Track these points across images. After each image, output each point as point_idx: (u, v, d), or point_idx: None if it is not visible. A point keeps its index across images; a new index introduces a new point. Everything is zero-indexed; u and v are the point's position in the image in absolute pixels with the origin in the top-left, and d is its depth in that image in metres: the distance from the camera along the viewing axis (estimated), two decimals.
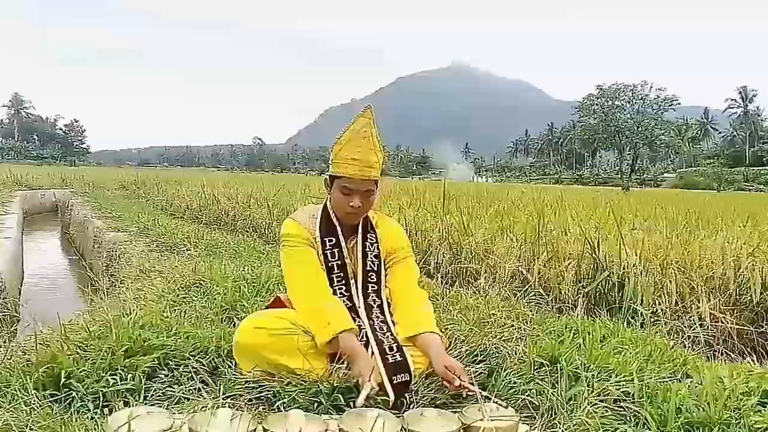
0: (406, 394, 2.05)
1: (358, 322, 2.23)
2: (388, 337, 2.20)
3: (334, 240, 2.35)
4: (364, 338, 2.19)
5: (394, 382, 2.04)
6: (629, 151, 51.00)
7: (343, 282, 2.33)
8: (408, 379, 2.07)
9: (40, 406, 1.79)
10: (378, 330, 2.23)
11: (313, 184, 15.19)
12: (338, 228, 2.36)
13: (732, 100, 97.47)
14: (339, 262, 2.33)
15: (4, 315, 4.46)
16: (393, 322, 2.31)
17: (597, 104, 49.71)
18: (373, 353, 2.12)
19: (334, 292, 2.31)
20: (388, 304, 2.37)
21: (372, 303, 2.33)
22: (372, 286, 2.36)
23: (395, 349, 2.14)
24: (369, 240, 2.39)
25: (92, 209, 11.04)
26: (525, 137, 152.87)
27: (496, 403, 1.95)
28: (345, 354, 2.10)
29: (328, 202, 2.41)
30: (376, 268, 2.37)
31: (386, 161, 2.52)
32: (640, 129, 47.67)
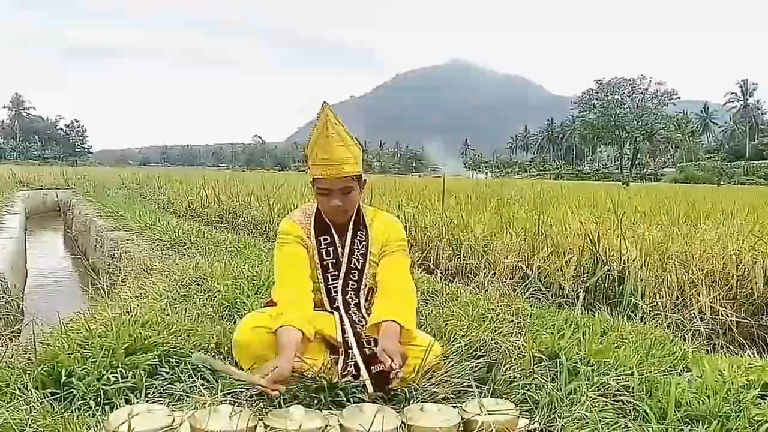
0: (386, 387, 2.04)
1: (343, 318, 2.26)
2: (366, 330, 2.22)
3: (328, 239, 2.37)
4: (347, 333, 2.20)
5: (373, 371, 2.05)
6: (629, 145, 50.94)
7: (337, 280, 2.34)
8: (382, 368, 2.04)
9: (41, 404, 1.80)
10: (357, 324, 2.25)
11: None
12: (331, 226, 2.38)
13: (732, 93, 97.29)
14: (333, 261, 2.35)
15: (8, 314, 4.48)
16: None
17: (596, 99, 49.63)
18: (350, 345, 2.15)
19: (329, 291, 2.34)
20: (366, 301, 2.37)
21: (349, 300, 2.34)
22: (352, 284, 2.37)
23: (373, 343, 2.15)
24: (358, 238, 2.39)
25: (94, 209, 11.04)
26: (524, 133, 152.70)
27: (497, 393, 1.95)
28: (278, 348, 2.07)
29: None
30: (359, 266, 2.37)
31: (370, 156, 2.50)
32: (639, 123, 47.60)
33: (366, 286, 2.39)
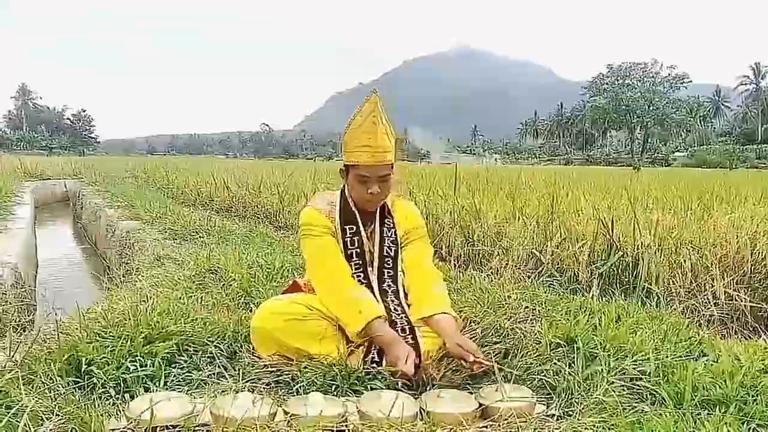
0: (416, 375, 2.07)
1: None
2: (402, 318, 2.23)
3: (354, 228, 2.36)
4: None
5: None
6: (640, 130, 50.48)
7: (361, 269, 2.34)
8: (418, 361, 2.08)
9: (65, 392, 1.82)
10: (393, 312, 2.26)
11: (321, 169, 15.19)
12: (357, 215, 2.37)
13: (744, 76, 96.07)
14: (358, 250, 2.35)
15: (21, 304, 4.52)
16: (408, 304, 2.33)
17: (607, 84, 49.13)
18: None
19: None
20: (404, 287, 2.38)
21: (387, 288, 2.35)
22: (388, 272, 2.37)
23: (408, 331, 2.18)
24: (386, 225, 2.40)
25: (103, 198, 11.09)
26: (534, 118, 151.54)
27: (514, 379, 1.97)
28: (377, 341, 2.12)
29: (345, 190, 2.41)
30: (392, 254, 2.39)
31: (399, 144, 2.51)
32: (650, 108, 47.11)
33: (402, 272, 2.40)
